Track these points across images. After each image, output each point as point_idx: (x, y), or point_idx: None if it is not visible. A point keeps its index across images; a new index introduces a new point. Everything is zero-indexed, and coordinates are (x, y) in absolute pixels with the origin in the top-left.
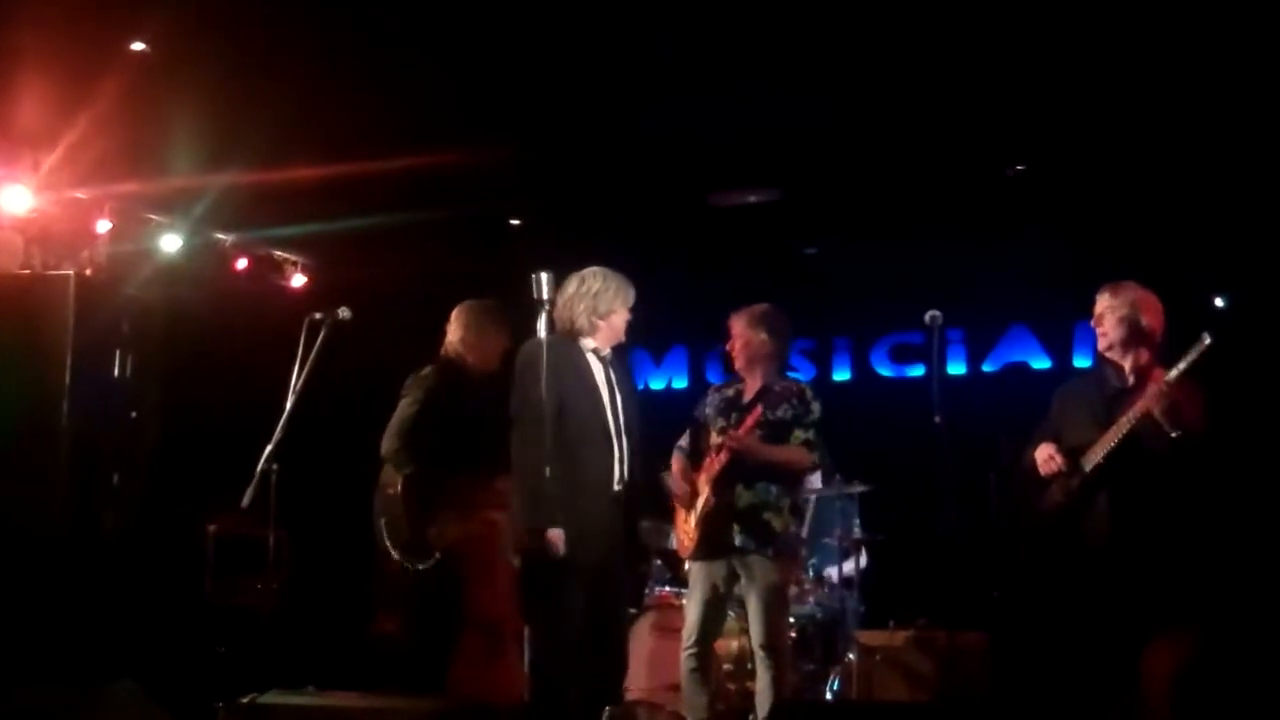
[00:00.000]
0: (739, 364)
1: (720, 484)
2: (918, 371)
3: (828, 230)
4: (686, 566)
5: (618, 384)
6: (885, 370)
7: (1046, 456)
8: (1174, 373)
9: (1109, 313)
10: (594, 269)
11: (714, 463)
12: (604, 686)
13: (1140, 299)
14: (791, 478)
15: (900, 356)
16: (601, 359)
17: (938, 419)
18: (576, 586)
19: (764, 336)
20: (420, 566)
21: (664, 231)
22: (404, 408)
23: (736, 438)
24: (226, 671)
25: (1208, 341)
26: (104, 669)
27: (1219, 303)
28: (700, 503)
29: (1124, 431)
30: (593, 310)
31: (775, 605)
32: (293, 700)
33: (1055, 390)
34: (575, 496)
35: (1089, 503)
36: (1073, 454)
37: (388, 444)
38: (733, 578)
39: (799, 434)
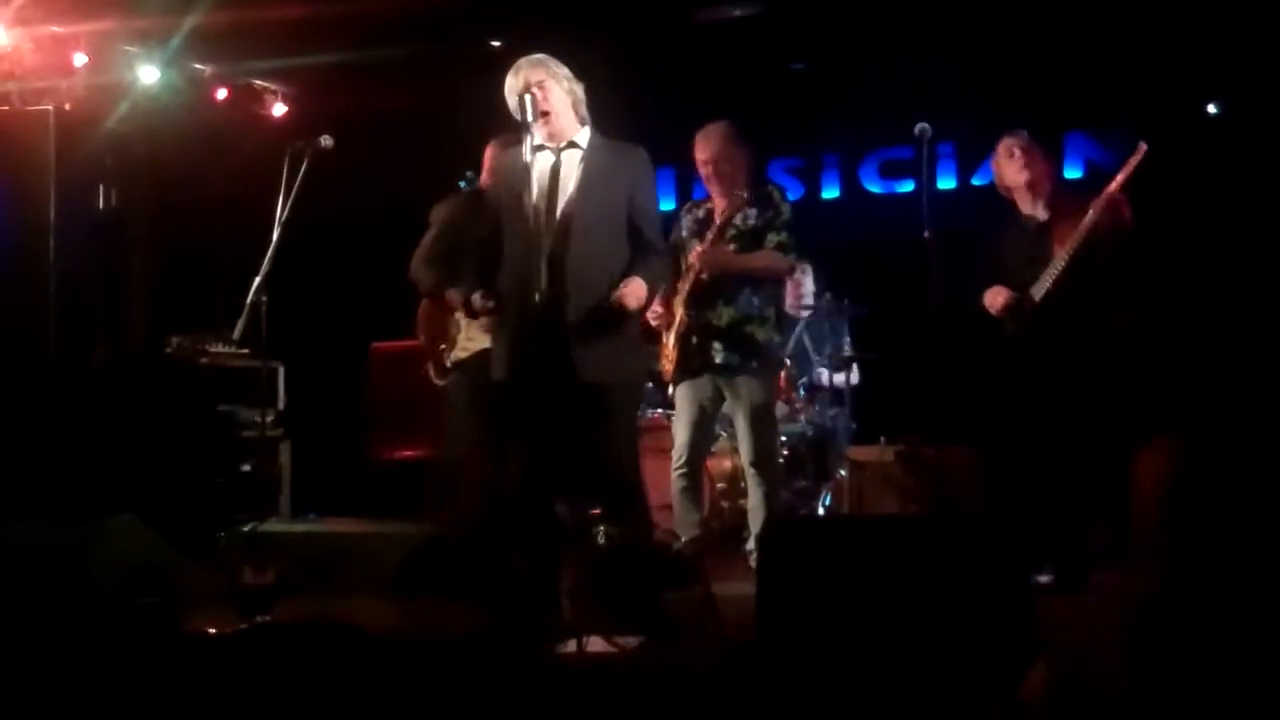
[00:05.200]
0: (713, 184)
1: (694, 302)
2: (907, 187)
3: (814, 44)
4: (670, 390)
5: (577, 181)
6: (874, 187)
7: (994, 295)
8: (1117, 181)
9: (1038, 146)
10: None
11: (683, 282)
12: (609, 509)
13: (1040, 153)
14: (772, 284)
15: (889, 172)
16: (555, 152)
17: (927, 234)
18: (505, 408)
19: (740, 150)
20: (440, 383)
21: (647, 49)
22: (426, 234)
23: (703, 254)
24: (226, 502)
25: (1144, 149)
26: (104, 503)
27: (1211, 109)
28: (675, 323)
29: (1072, 249)
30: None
31: (764, 423)
32: (293, 528)
33: (979, 251)
34: (502, 315)
35: (1045, 327)
36: (1018, 291)
37: (411, 268)
38: (719, 396)
39: (772, 237)
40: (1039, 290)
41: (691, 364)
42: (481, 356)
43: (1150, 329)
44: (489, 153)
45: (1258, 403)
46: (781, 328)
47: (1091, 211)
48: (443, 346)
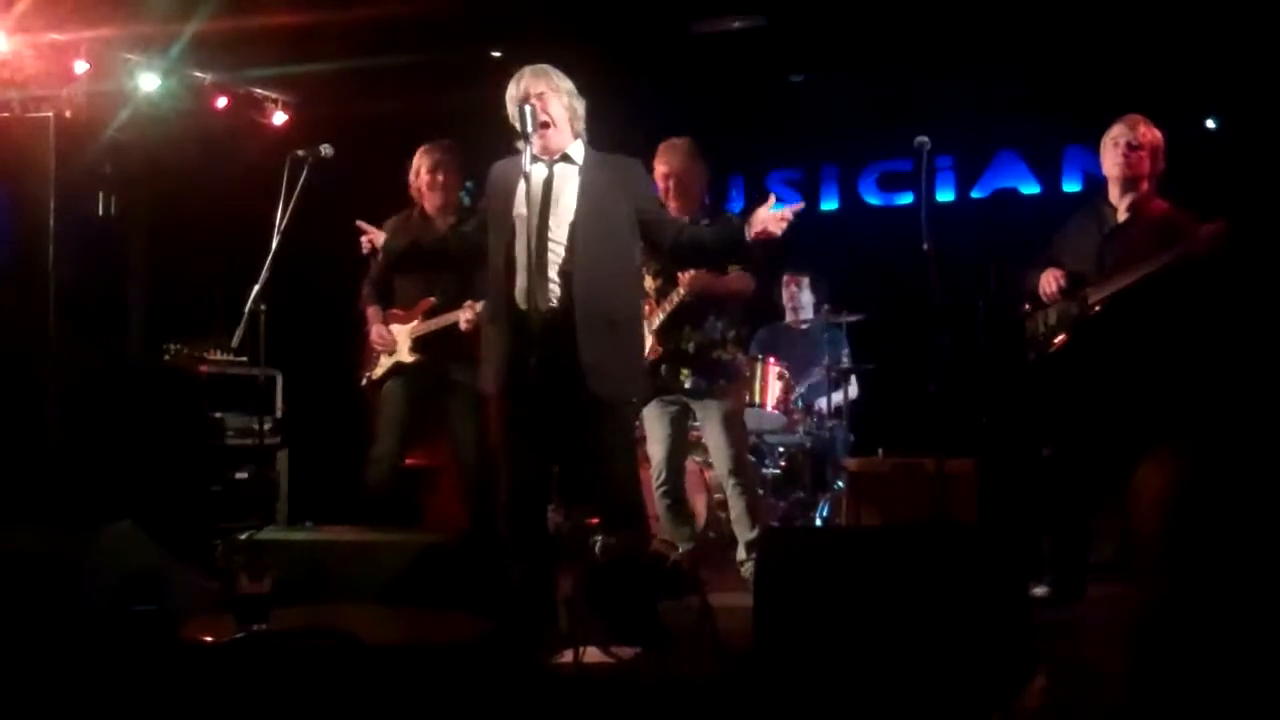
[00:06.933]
0: (673, 199)
1: (664, 331)
2: (906, 200)
3: (814, 57)
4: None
5: (576, 196)
6: (873, 199)
7: (1049, 280)
8: (1215, 226)
9: (1149, 145)
10: None
11: (655, 311)
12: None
13: (1148, 151)
14: (737, 305)
15: (888, 185)
16: (549, 165)
17: (926, 247)
18: (500, 420)
19: (701, 167)
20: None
21: (647, 60)
22: None
23: (693, 280)
24: (223, 509)
25: (1224, 225)
26: (101, 510)
27: (1210, 124)
28: (646, 350)
29: (1151, 270)
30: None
31: (734, 432)
32: (290, 536)
33: (1058, 227)
34: (491, 327)
35: (1089, 336)
36: (1074, 281)
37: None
38: (686, 411)
39: None
40: (1096, 294)
41: (659, 388)
42: (389, 371)
43: (1153, 337)
44: (414, 162)
45: (1262, 412)
46: (743, 345)
47: (1192, 243)
48: (368, 361)
